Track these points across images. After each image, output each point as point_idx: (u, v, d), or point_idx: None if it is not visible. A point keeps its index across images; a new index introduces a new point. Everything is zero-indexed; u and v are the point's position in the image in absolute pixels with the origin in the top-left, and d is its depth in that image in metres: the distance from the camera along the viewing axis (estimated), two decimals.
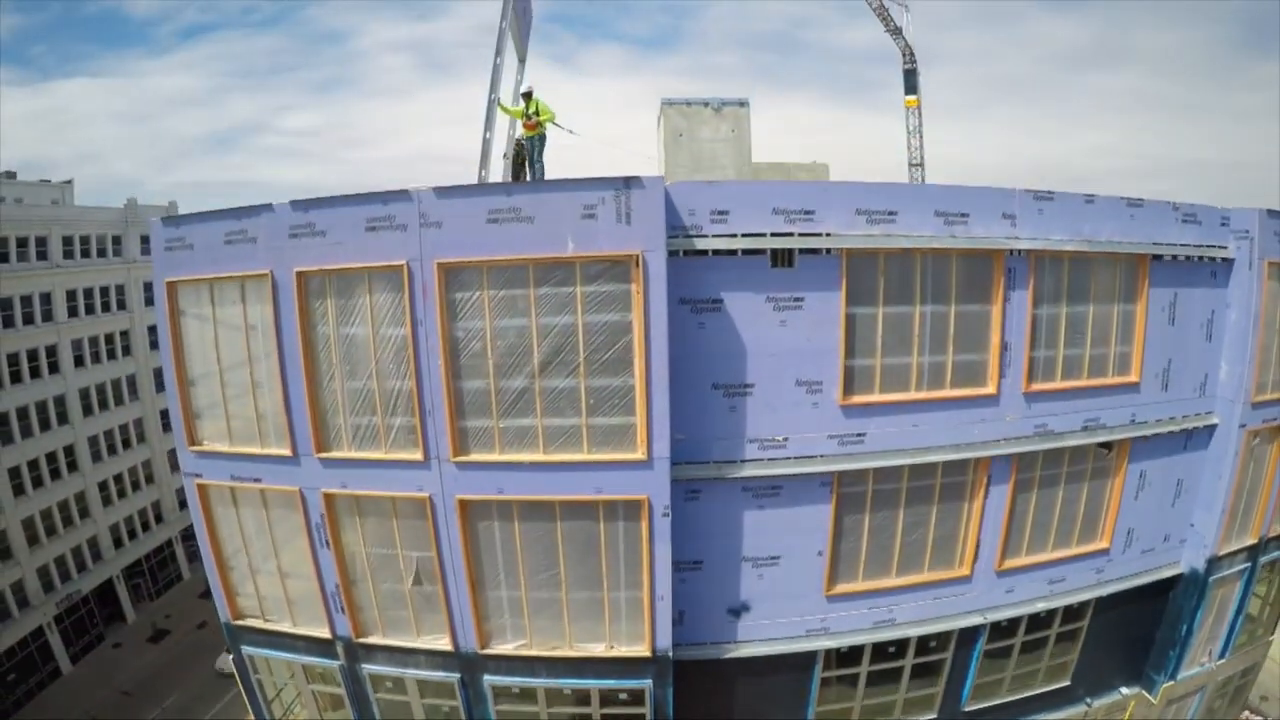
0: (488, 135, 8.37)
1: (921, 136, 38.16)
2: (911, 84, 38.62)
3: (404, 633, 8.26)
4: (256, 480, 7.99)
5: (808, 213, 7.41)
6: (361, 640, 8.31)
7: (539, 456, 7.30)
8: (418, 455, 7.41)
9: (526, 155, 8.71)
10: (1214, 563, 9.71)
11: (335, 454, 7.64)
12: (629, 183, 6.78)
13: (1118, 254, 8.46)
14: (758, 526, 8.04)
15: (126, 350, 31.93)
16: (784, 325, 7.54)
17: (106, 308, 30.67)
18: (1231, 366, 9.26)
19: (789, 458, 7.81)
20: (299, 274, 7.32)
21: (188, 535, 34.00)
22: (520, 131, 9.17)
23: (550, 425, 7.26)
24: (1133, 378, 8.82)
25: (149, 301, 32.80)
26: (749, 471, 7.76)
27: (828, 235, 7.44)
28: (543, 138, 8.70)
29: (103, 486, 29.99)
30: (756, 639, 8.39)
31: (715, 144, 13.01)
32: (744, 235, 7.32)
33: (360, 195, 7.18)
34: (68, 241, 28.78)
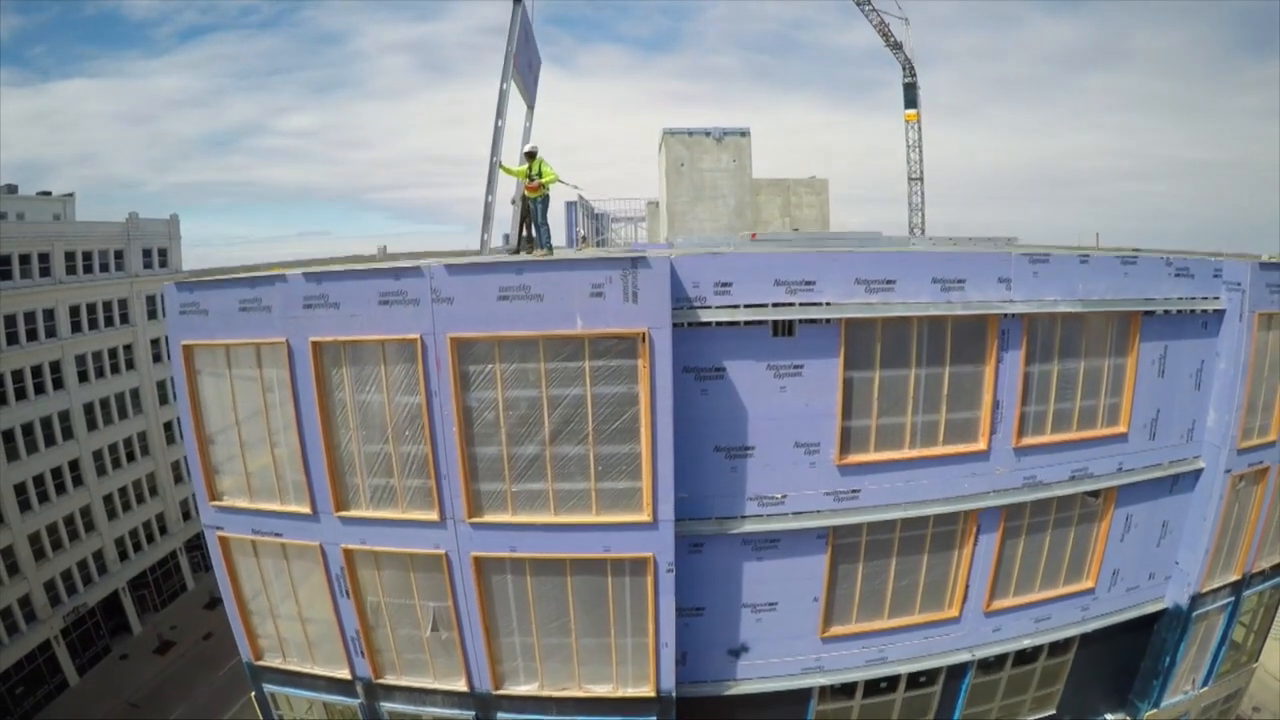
0: (489, 199, 8.89)
1: (921, 151, 39.27)
2: (911, 98, 39.59)
3: (421, 674, 9.13)
4: (277, 535, 8.75)
5: (809, 283, 8.03)
6: (380, 681, 9.18)
7: (550, 518, 8.06)
8: (434, 515, 8.15)
9: (530, 216, 9.23)
10: (1197, 599, 10.60)
11: (354, 513, 8.38)
12: (636, 263, 7.38)
13: (1111, 312, 9.11)
14: (756, 576, 8.85)
15: (130, 364, 33.27)
16: (784, 391, 8.23)
17: (110, 322, 32.04)
18: (1219, 414, 10.00)
19: (786, 514, 8.58)
20: (314, 344, 7.95)
21: (192, 546, 35.81)
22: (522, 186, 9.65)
23: (560, 489, 8.00)
24: (1121, 428, 9.56)
25: (152, 315, 34.60)
26: (749, 527, 8.54)
27: (828, 305, 8.07)
28: (546, 199, 9.21)
29: (108, 500, 31.41)
30: (755, 677, 9.29)
31: (716, 174, 13.46)
32: (746, 306, 7.96)
33: (372, 270, 7.78)
34: (70, 257, 29.98)
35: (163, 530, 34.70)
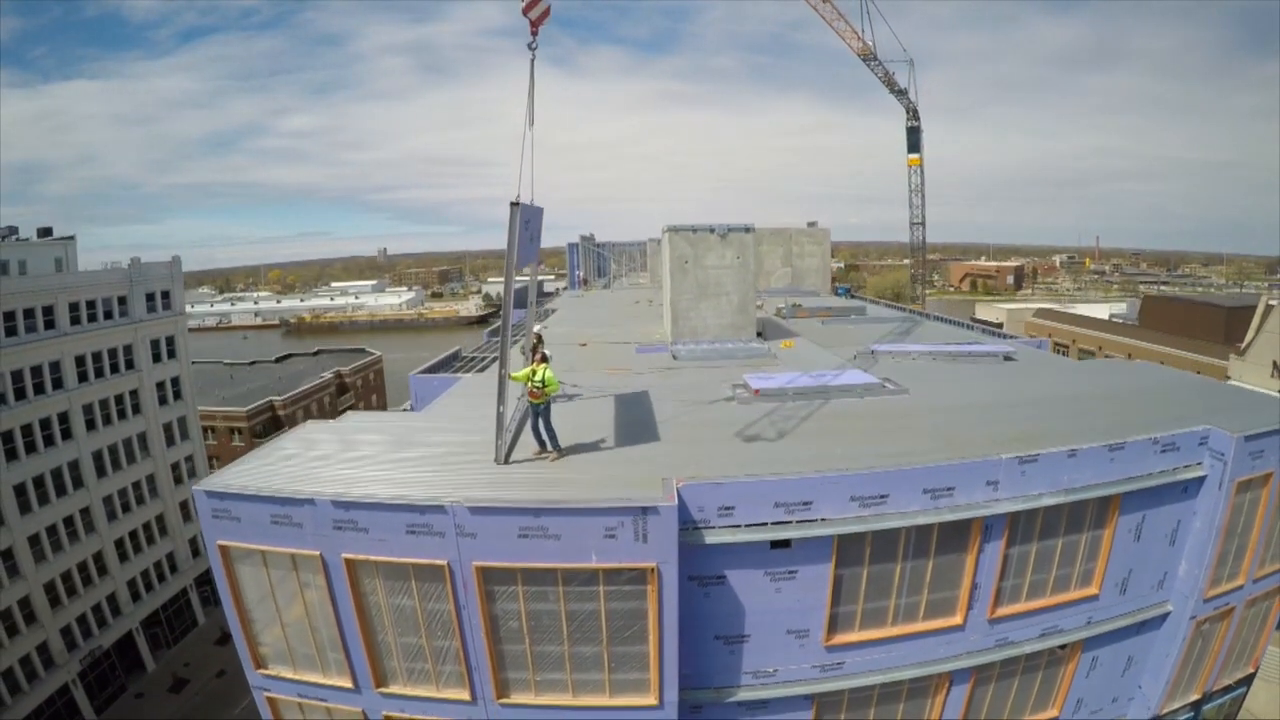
0: (501, 409, 10.65)
1: (923, 196, 41.15)
2: (914, 141, 41.01)
3: None
4: (321, 700, 11.36)
5: (806, 503, 10.08)
6: None
7: (569, 701, 10.62)
8: (465, 695, 10.70)
9: (532, 421, 11.06)
10: (1158, 719, 13.55)
11: (393, 689, 10.93)
12: (645, 510, 9.39)
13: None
14: None
15: (136, 409, 36.46)
16: (779, 592, 10.53)
17: (115, 369, 35.14)
18: (1190, 566, 12.40)
19: (777, 683, 11.18)
20: (347, 560, 10.09)
21: (201, 581, 40.18)
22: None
23: (578, 679, 10.50)
24: (1093, 590, 11.99)
25: (156, 358, 37.68)
26: (742, 695, 11.17)
27: (823, 521, 10.17)
28: (548, 405, 11.02)
29: (119, 544, 35.36)
30: None
31: (720, 270, 14.86)
32: (747, 527, 10.06)
33: (397, 504, 9.75)
34: (74, 307, 32.40)
35: (173, 568, 39.14)
